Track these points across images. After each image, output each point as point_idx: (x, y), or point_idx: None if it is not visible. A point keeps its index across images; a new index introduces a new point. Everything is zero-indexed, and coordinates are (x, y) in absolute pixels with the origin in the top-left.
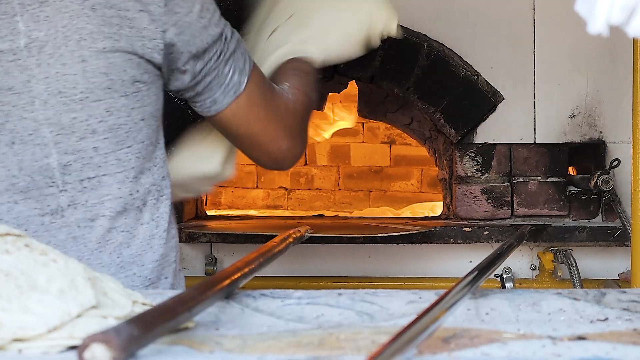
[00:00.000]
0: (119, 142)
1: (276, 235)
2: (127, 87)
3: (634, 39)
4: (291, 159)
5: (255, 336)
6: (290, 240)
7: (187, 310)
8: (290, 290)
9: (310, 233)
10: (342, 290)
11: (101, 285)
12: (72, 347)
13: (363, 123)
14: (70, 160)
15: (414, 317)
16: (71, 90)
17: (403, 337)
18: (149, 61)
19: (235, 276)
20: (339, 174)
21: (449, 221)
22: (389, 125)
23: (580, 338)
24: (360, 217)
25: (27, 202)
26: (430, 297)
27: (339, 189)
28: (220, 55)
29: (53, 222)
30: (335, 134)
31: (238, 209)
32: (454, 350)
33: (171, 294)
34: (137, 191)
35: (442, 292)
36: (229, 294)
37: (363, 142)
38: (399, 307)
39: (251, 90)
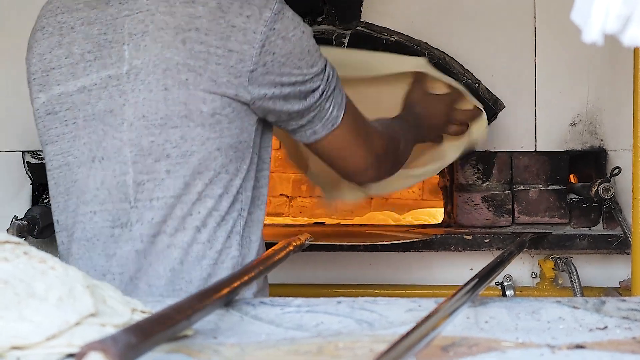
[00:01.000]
0: (190, 168)
1: (276, 243)
2: (204, 118)
3: (635, 49)
4: (373, 180)
5: (253, 344)
6: (291, 248)
7: (186, 318)
8: (290, 298)
9: (311, 241)
10: (341, 299)
11: (100, 293)
12: (71, 355)
13: None
14: (144, 180)
15: (413, 325)
16: (153, 115)
17: (401, 345)
18: (234, 97)
19: (235, 284)
20: None
21: (449, 229)
22: None
23: (579, 347)
24: (361, 225)
25: (103, 213)
26: (429, 305)
27: None
28: (322, 93)
29: (121, 234)
30: None
31: None
32: (452, 358)
33: (171, 302)
34: (199, 212)
35: (442, 300)
36: (228, 302)
37: None
38: (399, 315)
39: (346, 122)
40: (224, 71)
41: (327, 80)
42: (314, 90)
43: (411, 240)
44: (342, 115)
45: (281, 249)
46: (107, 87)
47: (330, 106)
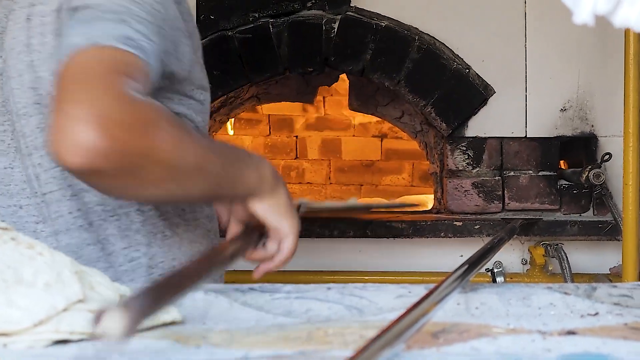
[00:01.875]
0: (51, 161)
1: None
2: None
3: (625, 32)
4: (82, 144)
5: (242, 331)
6: None
7: (194, 282)
8: (279, 285)
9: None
10: (331, 285)
11: (88, 279)
12: (58, 342)
13: (354, 117)
14: (39, 173)
15: (402, 311)
16: (16, 105)
17: (391, 331)
18: None
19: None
20: (330, 168)
21: (439, 215)
22: (380, 119)
23: (570, 333)
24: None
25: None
26: (419, 291)
27: (330, 183)
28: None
29: (43, 230)
30: (326, 127)
31: None
32: (442, 345)
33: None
34: (79, 210)
35: (432, 286)
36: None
37: (354, 135)
38: (388, 301)
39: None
40: (53, 39)
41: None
42: None
43: (405, 210)
44: (83, 43)
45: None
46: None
47: (75, 32)
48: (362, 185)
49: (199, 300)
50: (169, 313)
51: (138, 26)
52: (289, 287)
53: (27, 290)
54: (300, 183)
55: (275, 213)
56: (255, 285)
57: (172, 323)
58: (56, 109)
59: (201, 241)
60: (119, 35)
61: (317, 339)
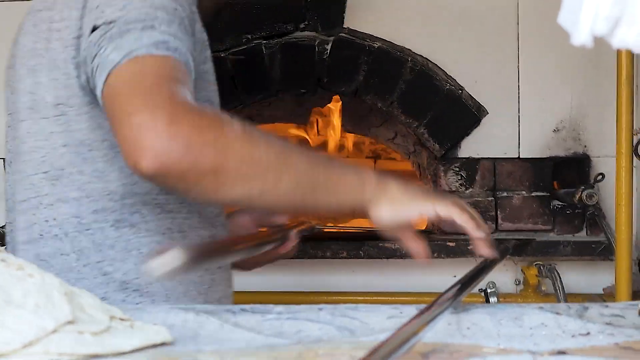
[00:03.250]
0: (34, 167)
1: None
2: (48, 110)
3: (618, 53)
4: (152, 147)
5: (233, 352)
6: (294, 229)
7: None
8: (271, 306)
9: (320, 227)
10: (322, 305)
11: (78, 301)
12: None
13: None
14: (14, 180)
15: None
16: (11, 109)
17: (380, 352)
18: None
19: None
20: None
21: (433, 235)
22: (374, 140)
23: (561, 353)
24: (344, 228)
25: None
26: (411, 312)
27: None
28: (100, 27)
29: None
30: (321, 148)
31: None
32: None
33: (157, 310)
34: (54, 219)
35: (424, 307)
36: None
37: (348, 156)
38: (380, 322)
39: (130, 69)
40: (61, 46)
41: (120, 16)
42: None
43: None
44: (120, 59)
45: (278, 231)
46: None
47: (109, 49)
48: None
49: (190, 321)
50: (159, 334)
51: (166, 28)
52: (280, 308)
53: (17, 311)
54: None
55: (398, 211)
56: (247, 306)
57: (163, 344)
58: (123, 125)
59: None
60: (152, 42)
61: (308, 359)
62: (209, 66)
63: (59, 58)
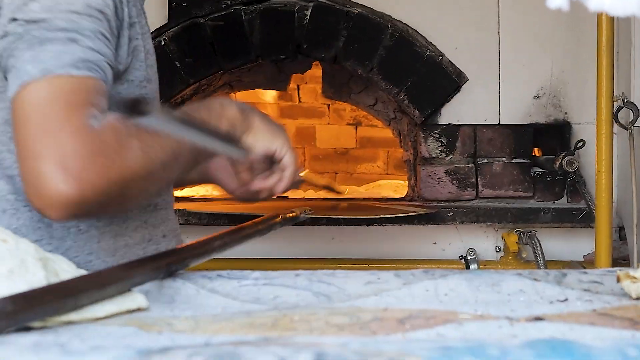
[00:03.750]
0: None
1: (261, 216)
2: None
3: (598, 19)
4: (57, 200)
5: (208, 317)
6: (278, 220)
7: (97, 288)
8: (247, 271)
9: (309, 214)
10: (299, 272)
11: (53, 266)
12: (19, 329)
13: (329, 104)
14: None
15: (371, 297)
16: None
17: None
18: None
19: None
20: (304, 156)
21: (413, 202)
22: (354, 107)
23: (538, 319)
24: (326, 199)
25: None
26: (388, 277)
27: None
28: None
29: None
30: (300, 115)
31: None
32: (408, 331)
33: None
34: None
35: (401, 272)
36: (170, 274)
37: (329, 123)
38: (357, 287)
39: (45, 86)
40: None
41: (46, 20)
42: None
43: (413, 214)
44: (38, 74)
45: (263, 221)
46: None
47: (28, 56)
48: (336, 173)
49: (166, 287)
50: (135, 300)
51: (89, 43)
52: (257, 273)
53: None
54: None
55: (261, 142)
56: (223, 272)
57: (138, 310)
58: (24, 162)
59: (131, 234)
60: (72, 59)
61: (282, 325)
62: (139, 43)
63: None
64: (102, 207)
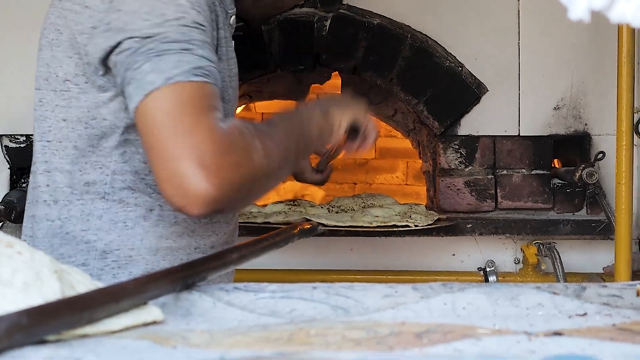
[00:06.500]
0: (40, 134)
1: (278, 228)
2: (58, 83)
3: (619, 31)
4: (200, 197)
5: (224, 331)
6: (295, 232)
7: (113, 302)
8: (264, 284)
9: (323, 229)
10: (317, 284)
11: (68, 278)
12: (35, 342)
13: None
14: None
15: (389, 311)
16: (37, 77)
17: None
18: (84, 59)
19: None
20: None
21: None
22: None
23: (557, 334)
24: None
25: None
26: (406, 291)
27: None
28: (138, 45)
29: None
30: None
31: None
32: (426, 345)
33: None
34: (47, 186)
35: (419, 285)
36: (187, 287)
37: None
38: (375, 301)
39: (169, 94)
40: (78, 29)
41: (161, 34)
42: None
43: (429, 226)
44: (162, 83)
45: (276, 235)
46: None
47: (148, 67)
48: (355, 184)
49: (182, 299)
50: (150, 313)
51: (201, 52)
52: (274, 286)
53: (5, 289)
54: (293, 181)
55: (345, 120)
56: (240, 285)
57: (154, 322)
58: (162, 165)
59: (175, 239)
60: (190, 67)
61: (299, 339)
62: (223, 66)
63: (74, 39)
64: (236, 202)
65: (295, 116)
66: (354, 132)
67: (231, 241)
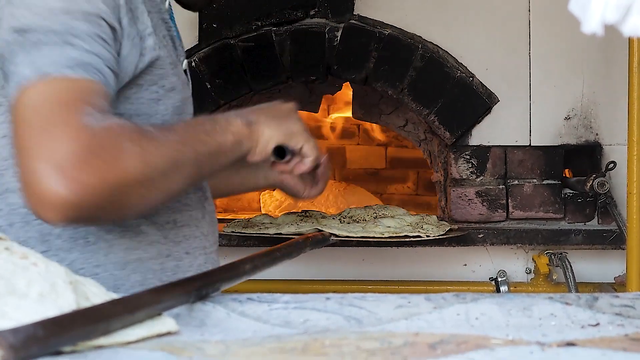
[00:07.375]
0: None
1: (291, 238)
2: None
3: (629, 41)
4: (54, 201)
5: (239, 342)
6: (308, 243)
7: (127, 313)
8: (278, 295)
9: (334, 239)
10: (330, 295)
11: (82, 289)
12: (51, 353)
13: (359, 125)
14: None
15: (402, 321)
16: None
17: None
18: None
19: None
20: (334, 177)
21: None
22: (384, 127)
23: (570, 344)
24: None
25: None
26: (419, 301)
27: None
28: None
29: None
30: (331, 135)
31: (233, 211)
32: (439, 356)
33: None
34: (1, 210)
35: (432, 296)
36: (200, 298)
37: (359, 144)
38: (388, 311)
39: (42, 88)
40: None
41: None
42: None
43: (440, 237)
44: (35, 77)
45: (289, 245)
46: None
47: (24, 61)
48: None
49: (196, 310)
50: (165, 324)
51: (85, 45)
52: (287, 297)
53: (20, 301)
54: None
55: (273, 141)
56: (254, 295)
57: (168, 333)
58: (21, 163)
59: (145, 248)
60: (66, 61)
61: (314, 350)
62: (163, 52)
63: None
64: (99, 211)
65: (205, 122)
66: (284, 152)
67: (210, 244)
